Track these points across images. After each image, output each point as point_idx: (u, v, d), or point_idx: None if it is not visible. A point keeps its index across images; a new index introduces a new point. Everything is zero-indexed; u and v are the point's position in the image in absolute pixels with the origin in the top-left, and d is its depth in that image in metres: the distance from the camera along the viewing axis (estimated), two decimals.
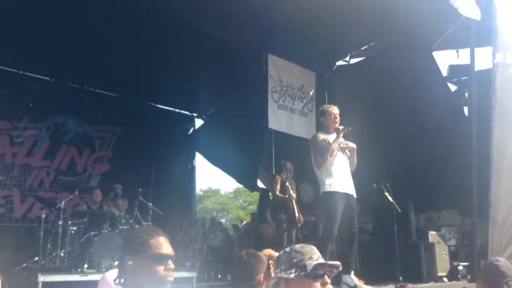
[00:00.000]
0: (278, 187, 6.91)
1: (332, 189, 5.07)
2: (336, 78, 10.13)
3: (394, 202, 6.71)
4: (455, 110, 8.67)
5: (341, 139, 5.21)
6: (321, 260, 1.75)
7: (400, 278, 5.89)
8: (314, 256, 1.76)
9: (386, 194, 6.60)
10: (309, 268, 1.70)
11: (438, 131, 8.44)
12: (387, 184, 6.63)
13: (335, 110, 5.30)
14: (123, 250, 1.80)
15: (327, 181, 5.10)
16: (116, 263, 1.89)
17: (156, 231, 1.87)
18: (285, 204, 6.87)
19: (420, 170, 8.69)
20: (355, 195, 5.24)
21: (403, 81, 8.73)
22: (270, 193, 11.62)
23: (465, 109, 8.33)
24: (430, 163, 8.66)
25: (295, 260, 1.75)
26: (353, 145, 5.32)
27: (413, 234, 7.32)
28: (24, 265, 7.15)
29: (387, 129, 9.00)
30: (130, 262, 1.73)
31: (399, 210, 6.75)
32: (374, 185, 6.69)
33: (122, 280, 1.78)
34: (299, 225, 6.86)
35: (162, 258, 1.76)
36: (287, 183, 6.85)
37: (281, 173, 7.09)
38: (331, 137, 5.20)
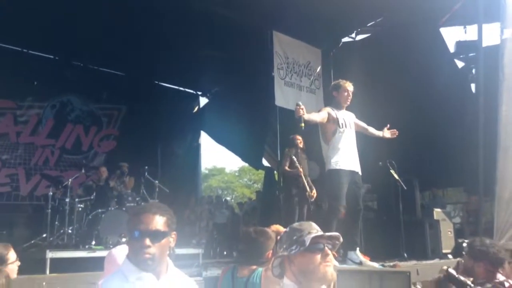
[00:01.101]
0: (287, 162, 6.87)
1: (337, 167, 5.09)
2: (342, 54, 10.00)
3: (399, 180, 6.71)
4: (462, 87, 8.59)
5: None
6: (319, 233, 1.76)
7: (405, 254, 5.93)
8: (312, 231, 1.78)
9: (392, 171, 6.58)
10: (307, 242, 1.72)
11: (445, 108, 8.37)
12: (393, 162, 6.61)
13: (350, 87, 5.26)
14: (128, 226, 1.80)
15: (333, 159, 5.12)
16: (124, 239, 1.90)
17: (146, 208, 1.83)
18: (295, 179, 6.83)
19: (426, 148, 8.66)
20: (360, 173, 5.26)
21: (409, 57, 8.63)
22: (275, 171, 11.69)
23: (473, 85, 8.24)
24: (436, 140, 8.62)
25: (294, 237, 1.77)
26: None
27: (418, 212, 7.33)
28: (32, 241, 7.26)
29: (392, 106, 8.91)
30: (124, 239, 1.76)
31: (405, 188, 6.76)
32: (380, 163, 6.67)
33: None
34: (311, 200, 6.80)
35: (137, 235, 1.72)
36: (294, 158, 6.78)
37: (291, 147, 7.04)
38: (340, 113, 5.18)
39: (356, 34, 10.04)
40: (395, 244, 6.45)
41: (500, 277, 2.90)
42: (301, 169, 6.68)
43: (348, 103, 5.26)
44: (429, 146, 8.70)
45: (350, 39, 10.16)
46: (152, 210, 1.78)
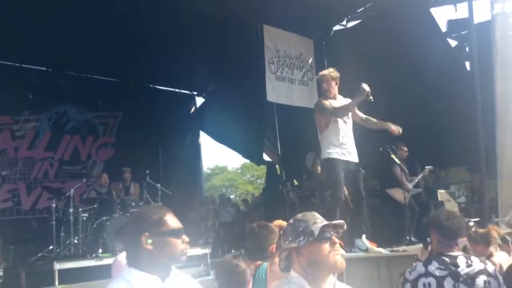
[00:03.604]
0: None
1: (331, 156, 5.13)
2: (334, 43, 9.98)
3: (401, 164, 6.69)
4: (457, 65, 8.54)
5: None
6: (325, 222, 1.76)
7: (412, 238, 5.92)
8: (318, 220, 1.77)
9: (393, 156, 6.57)
10: (316, 232, 1.71)
11: (441, 88, 8.34)
12: (393, 146, 6.60)
13: (333, 74, 5.26)
14: (136, 230, 1.75)
15: (327, 149, 5.18)
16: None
17: (164, 208, 1.88)
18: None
19: (425, 129, 8.62)
20: (356, 160, 5.28)
21: (402, 40, 8.58)
22: (277, 166, 11.69)
23: (467, 63, 8.20)
24: (434, 121, 8.60)
25: (300, 228, 1.76)
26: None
27: (422, 194, 7.31)
28: (39, 254, 7.27)
29: (389, 90, 8.84)
30: (149, 240, 1.71)
31: (407, 171, 6.75)
32: (380, 148, 6.66)
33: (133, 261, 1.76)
34: None
35: (179, 232, 1.78)
36: None
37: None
38: (336, 103, 5.18)
39: (347, 22, 9.98)
40: (401, 229, 6.44)
41: (455, 250, 2.82)
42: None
43: (336, 90, 5.25)
44: (427, 127, 8.66)
45: (342, 27, 10.11)
46: (170, 210, 1.87)
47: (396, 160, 6.64)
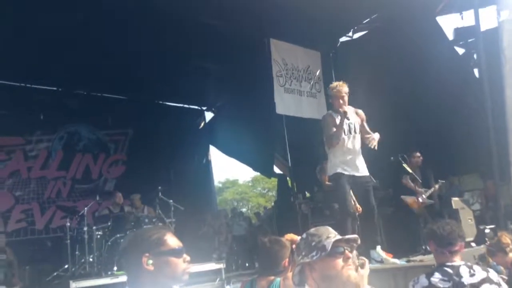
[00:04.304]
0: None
1: (337, 171, 5.17)
2: (341, 55, 10.03)
3: (413, 173, 6.67)
4: (465, 73, 8.53)
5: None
6: (338, 237, 1.75)
7: (427, 248, 5.86)
8: (330, 235, 1.76)
9: (404, 165, 6.55)
10: (328, 246, 1.70)
11: (451, 96, 8.32)
12: (404, 155, 6.58)
13: (342, 88, 5.25)
14: (136, 251, 1.71)
15: (332, 164, 5.25)
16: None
17: (163, 227, 1.89)
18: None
19: (436, 138, 8.59)
20: (365, 174, 5.28)
21: (409, 50, 8.61)
22: (287, 178, 11.67)
23: (475, 71, 8.19)
24: (445, 129, 8.56)
25: (313, 243, 1.75)
26: (376, 136, 5.29)
27: (436, 203, 7.26)
28: (55, 274, 7.31)
29: (398, 100, 8.90)
30: (150, 261, 1.68)
31: (420, 180, 6.72)
32: (392, 158, 6.65)
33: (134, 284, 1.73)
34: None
35: (179, 251, 1.76)
36: None
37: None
38: (340, 119, 5.19)
39: (353, 33, 10.05)
40: (416, 238, 6.39)
41: (457, 260, 2.80)
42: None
43: (345, 105, 5.21)
44: (438, 135, 8.63)
45: (348, 38, 10.17)
46: (169, 228, 1.90)
47: (408, 169, 6.62)
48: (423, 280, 2.76)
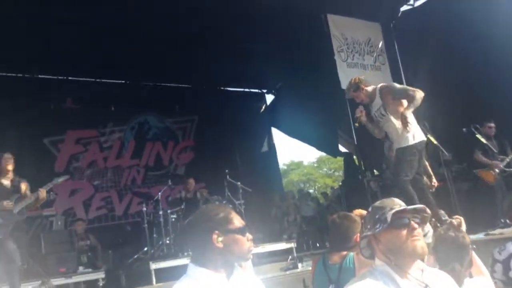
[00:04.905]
0: None
1: (404, 144, 4.85)
2: (403, 25, 9.60)
3: (487, 143, 6.35)
4: None
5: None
6: (400, 208, 1.71)
7: (507, 221, 5.57)
8: (395, 206, 1.73)
9: (478, 136, 6.26)
10: (389, 218, 1.68)
11: None
12: (477, 125, 6.27)
13: (351, 88, 5.09)
14: (206, 228, 1.71)
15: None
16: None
17: (226, 206, 1.92)
18: None
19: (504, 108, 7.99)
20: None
21: (474, 17, 7.97)
22: (354, 156, 11.48)
23: None
24: None
25: (377, 216, 1.74)
26: None
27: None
28: (135, 256, 7.76)
29: (468, 65, 8.30)
30: (220, 238, 1.69)
31: (495, 150, 6.38)
32: (464, 129, 6.36)
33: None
34: None
35: (244, 230, 1.76)
36: None
37: None
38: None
39: (415, 1, 9.59)
40: (494, 212, 6.10)
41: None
42: None
43: (364, 95, 5.08)
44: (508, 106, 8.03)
45: (409, 7, 9.72)
46: (232, 208, 1.88)
47: (482, 139, 6.31)
48: (510, 247, 2.66)
